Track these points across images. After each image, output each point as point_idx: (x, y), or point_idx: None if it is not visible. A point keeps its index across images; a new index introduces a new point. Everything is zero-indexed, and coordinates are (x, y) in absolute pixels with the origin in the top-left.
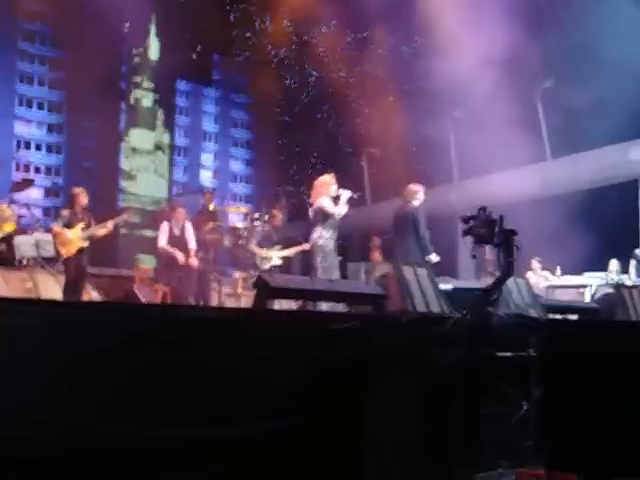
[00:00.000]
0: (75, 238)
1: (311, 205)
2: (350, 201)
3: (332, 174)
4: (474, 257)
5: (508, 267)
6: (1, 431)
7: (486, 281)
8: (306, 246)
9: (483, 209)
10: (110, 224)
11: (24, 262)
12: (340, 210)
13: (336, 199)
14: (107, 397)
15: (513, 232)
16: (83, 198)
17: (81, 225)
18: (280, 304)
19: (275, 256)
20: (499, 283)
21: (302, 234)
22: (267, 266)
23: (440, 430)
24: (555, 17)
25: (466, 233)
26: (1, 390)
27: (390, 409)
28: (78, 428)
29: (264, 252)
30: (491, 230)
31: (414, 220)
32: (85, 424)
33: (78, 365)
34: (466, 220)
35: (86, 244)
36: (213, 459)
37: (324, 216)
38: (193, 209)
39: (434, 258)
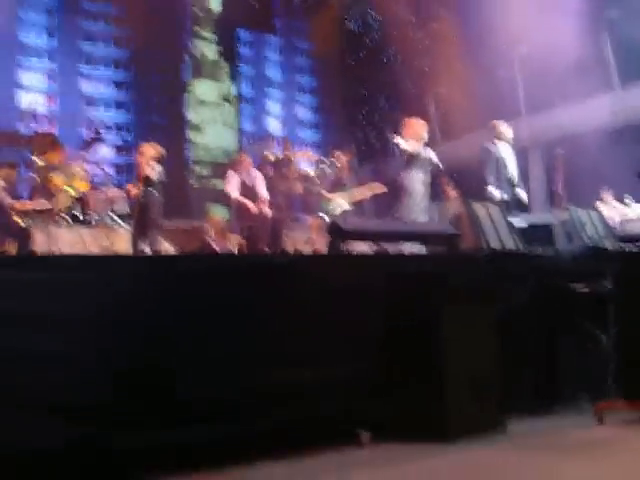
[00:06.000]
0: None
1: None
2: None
3: (422, 120)
4: None
5: None
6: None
7: (559, 215)
8: (376, 185)
9: None
10: None
11: (99, 220)
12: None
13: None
14: (184, 348)
15: None
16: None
17: None
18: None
19: (346, 200)
20: None
21: (373, 177)
22: (338, 210)
23: (517, 365)
24: None
25: None
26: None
27: (467, 346)
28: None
29: (335, 197)
30: None
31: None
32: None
33: (156, 316)
34: None
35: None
36: (291, 403)
37: (408, 157)
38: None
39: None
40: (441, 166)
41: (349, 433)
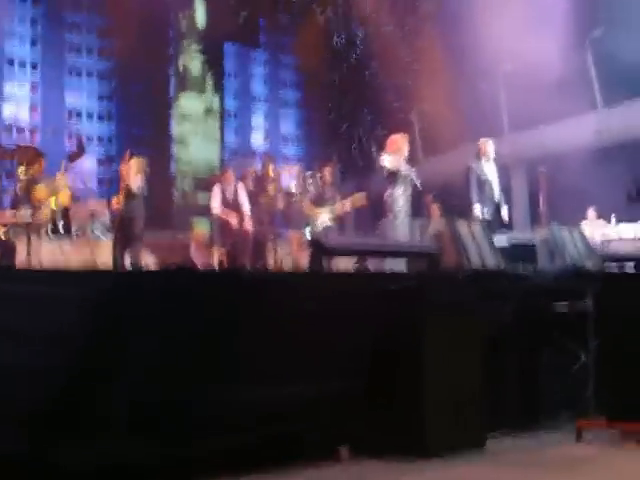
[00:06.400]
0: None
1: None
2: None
3: (405, 135)
4: None
5: None
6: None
7: (541, 234)
8: (357, 197)
9: None
10: None
11: (80, 232)
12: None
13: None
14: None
15: None
16: None
17: None
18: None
19: (328, 214)
20: None
21: (356, 192)
22: (320, 224)
23: (499, 383)
24: None
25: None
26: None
27: (448, 363)
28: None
29: (317, 211)
30: None
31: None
32: (147, 391)
33: (132, 331)
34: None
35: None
36: (272, 420)
37: (390, 174)
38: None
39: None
40: (419, 184)
41: (328, 449)
